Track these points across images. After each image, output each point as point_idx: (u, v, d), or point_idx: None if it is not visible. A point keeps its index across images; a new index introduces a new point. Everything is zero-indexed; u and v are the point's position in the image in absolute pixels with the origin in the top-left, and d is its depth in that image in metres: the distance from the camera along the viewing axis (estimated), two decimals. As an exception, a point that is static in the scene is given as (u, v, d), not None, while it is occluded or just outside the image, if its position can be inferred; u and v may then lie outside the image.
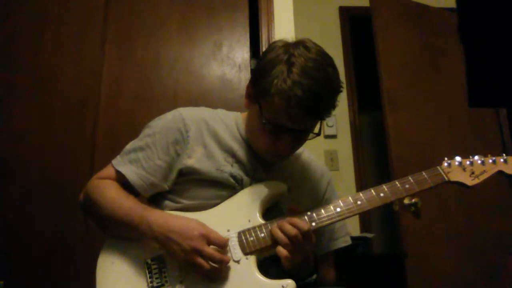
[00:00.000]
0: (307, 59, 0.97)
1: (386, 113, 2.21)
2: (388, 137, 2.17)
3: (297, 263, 0.96)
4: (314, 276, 1.07)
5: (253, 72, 1.08)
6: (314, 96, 0.95)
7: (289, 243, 0.94)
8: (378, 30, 2.32)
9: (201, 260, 0.93)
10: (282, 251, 0.94)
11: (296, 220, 0.96)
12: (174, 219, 0.99)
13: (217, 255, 0.94)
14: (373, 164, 3.43)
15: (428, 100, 2.33)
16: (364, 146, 3.00)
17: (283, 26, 2.18)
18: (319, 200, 1.16)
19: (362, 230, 2.61)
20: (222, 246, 0.96)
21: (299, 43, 1.01)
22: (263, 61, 1.02)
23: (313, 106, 0.96)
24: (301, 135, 1.04)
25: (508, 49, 0.63)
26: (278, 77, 0.95)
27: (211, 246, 0.95)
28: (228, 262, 0.95)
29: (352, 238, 2.20)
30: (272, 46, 1.04)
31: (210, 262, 0.93)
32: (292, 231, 0.94)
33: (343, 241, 1.20)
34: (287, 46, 1.00)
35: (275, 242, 0.97)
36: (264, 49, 2.15)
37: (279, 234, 0.95)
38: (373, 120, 3.70)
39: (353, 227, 2.59)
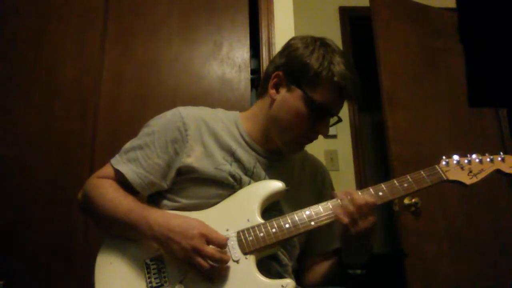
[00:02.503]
0: (341, 52, 1.08)
1: (386, 113, 2.20)
2: (388, 137, 2.16)
3: (355, 237, 0.97)
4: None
5: (285, 63, 1.10)
6: (358, 82, 1.06)
7: (353, 211, 0.95)
8: (378, 30, 2.32)
9: (200, 260, 0.93)
10: (344, 218, 0.96)
11: (365, 193, 1.00)
12: (174, 218, 0.99)
13: (216, 254, 0.93)
14: (373, 164, 3.42)
15: (428, 100, 2.33)
16: (364, 146, 3.00)
17: (283, 26, 2.18)
18: (318, 199, 1.16)
19: (362, 230, 2.61)
20: (222, 245, 0.96)
21: (325, 38, 1.11)
22: (298, 52, 1.07)
23: (359, 91, 1.07)
24: (330, 120, 1.10)
25: (508, 49, 0.63)
26: (332, 63, 1.03)
27: (211, 246, 0.95)
28: (227, 261, 0.95)
29: (352, 238, 2.22)
30: (297, 40, 1.11)
31: (210, 262, 0.93)
32: (360, 200, 0.95)
33: None
34: (319, 40, 1.09)
35: (276, 242, 0.98)
36: (264, 49, 2.17)
37: (345, 202, 0.97)
38: (373, 120, 3.70)
39: (353, 227, 2.59)
